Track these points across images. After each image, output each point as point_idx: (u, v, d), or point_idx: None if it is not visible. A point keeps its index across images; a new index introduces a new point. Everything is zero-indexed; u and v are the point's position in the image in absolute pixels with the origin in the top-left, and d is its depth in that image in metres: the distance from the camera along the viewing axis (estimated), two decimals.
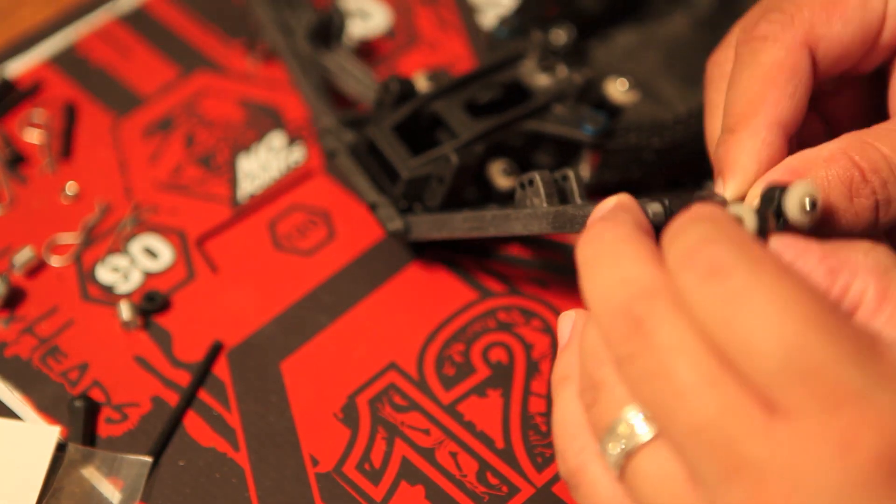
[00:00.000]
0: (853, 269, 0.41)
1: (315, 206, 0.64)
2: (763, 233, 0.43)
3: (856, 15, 0.49)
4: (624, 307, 0.40)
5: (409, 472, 0.55)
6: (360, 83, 0.66)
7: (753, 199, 0.47)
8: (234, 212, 0.64)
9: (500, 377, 0.58)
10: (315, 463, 0.55)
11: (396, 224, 0.59)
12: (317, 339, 0.59)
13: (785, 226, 0.44)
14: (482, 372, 0.58)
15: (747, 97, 0.48)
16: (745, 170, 0.48)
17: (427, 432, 0.56)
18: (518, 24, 0.65)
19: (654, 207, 0.45)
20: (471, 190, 0.61)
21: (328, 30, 0.68)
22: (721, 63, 0.53)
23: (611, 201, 0.45)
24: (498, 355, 0.59)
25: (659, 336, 0.39)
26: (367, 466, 0.55)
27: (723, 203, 0.47)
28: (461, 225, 0.56)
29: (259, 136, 0.67)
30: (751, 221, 0.43)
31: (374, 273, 0.62)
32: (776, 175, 0.47)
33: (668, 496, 0.40)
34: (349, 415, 0.57)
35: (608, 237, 0.42)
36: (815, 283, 0.41)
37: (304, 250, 0.63)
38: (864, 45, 0.50)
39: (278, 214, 0.64)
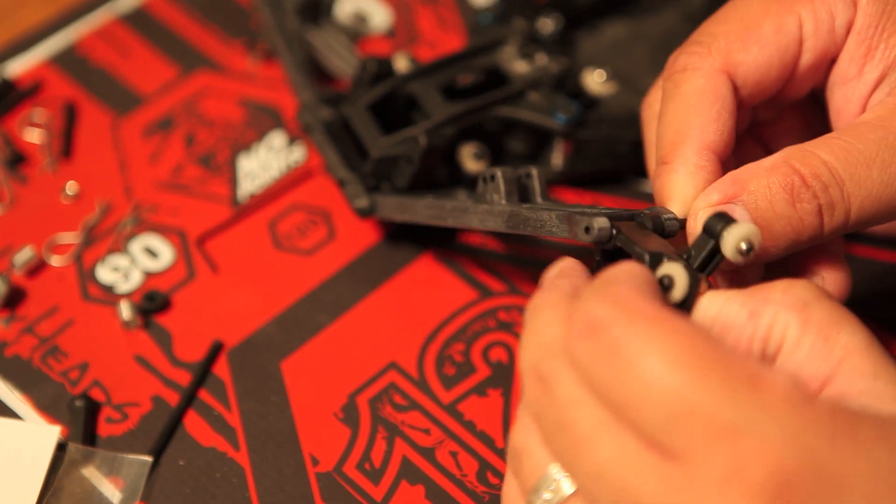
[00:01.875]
0: (774, 308, 0.43)
1: (315, 205, 0.64)
2: (694, 288, 0.44)
3: (772, 39, 0.50)
4: (535, 367, 0.42)
5: (409, 472, 0.55)
6: (345, 61, 0.67)
7: (695, 213, 0.48)
8: (234, 211, 0.64)
9: (501, 377, 0.58)
10: (315, 462, 0.55)
11: (362, 202, 0.59)
12: (317, 338, 0.59)
13: (721, 261, 0.46)
14: (482, 371, 0.58)
15: (674, 127, 0.50)
16: (683, 196, 0.49)
17: (427, 432, 0.56)
18: (503, 10, 0.66)
19: (601, 222, 0.46)
20: (442, 171, 0.61)
21: (317, 7, 0.69)
22: (652, 103, 0.55)
23: (556, 267, 0.46)
24: (498, 355, 0.59)
25: (559, 391, 0.41)
26: (367, 466, 0.55)
27: (673, 219, 0.48)
28: (423, 211, 0.57)
29: (259, 135, 0.67)
30: (682, 281, 0.44)
31: (374, 273, 0.62)
32: (721, 187, 0.48)
33: None
34: (349, 414, 0.57)
35: (539, 305, 0.44)
36: (737, 326, 0.43)
37: (304, 250, 0.63)
38: (783, 67, 0.51)
39: (278, 214, 0.64)
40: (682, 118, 0.50)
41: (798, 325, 0.42)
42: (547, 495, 0.42)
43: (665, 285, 0.44)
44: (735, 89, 0.51)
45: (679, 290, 0.43)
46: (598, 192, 0.64)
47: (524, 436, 0.43)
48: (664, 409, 0.38)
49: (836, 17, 0.50)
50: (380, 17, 0.72)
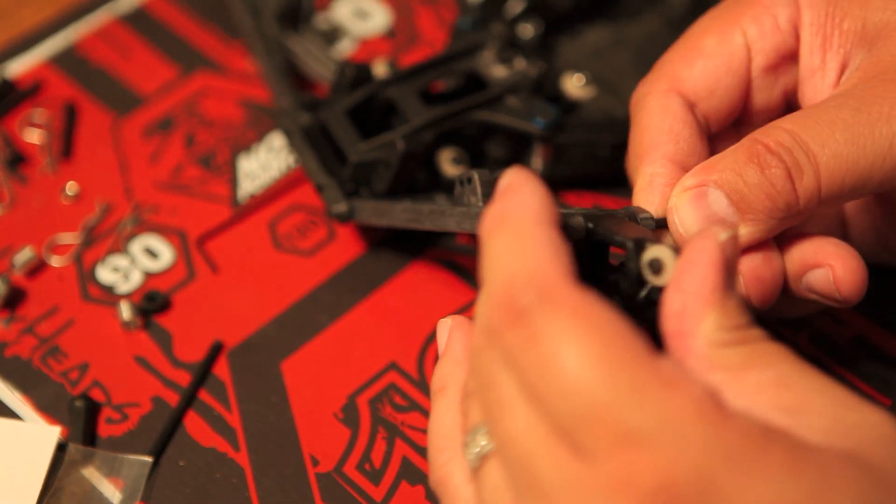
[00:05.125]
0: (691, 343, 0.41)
1: (315, 205, 0.64)
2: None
3: (715, 51, 0.52)
4: (485, 319, 0.42)
5: (409, 472, 0.55)
6: (325, 67, 0.67)
7: (673, 202, 0.49)
8: (234, 212, 0.64)
9: None
10: (315, 463, 0.55)
11: (341, 207, 0.59)
12: (317, 339, 0.59)
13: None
14: None
15: (634, 153, 0.52)
16: (646, 205, 0.50)
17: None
18: (482, 15, 0.66)
19: (577, 221, 0.46)
20: (421, 176, 0.61)
21: (296, 12, 0.69)
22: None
23: (503, 181, 0.44)
24: None
25: (486, 358, 0.41)
26: (367, 466, 0.55)
27: (649, 218, 0.49)
28: (400, 215, 0.57)
29: (259, 136, 0.67)
30: (671, 264, 0.43)
31: (375, 273, 0.62)
32: (694, 173, 0.48)
33: (497, 502, 0.41)
34: (349, 415, 0.57)
35: (498, 236, 0.43)
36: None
37: (304, 250, 0.63)
38: (734, 74, 0.52)
39: (278, 214, 0.64)
40: (640, 140, 0.52)
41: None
42: (483, 441, 0.42)
43: (655, 269, 0.44)
44: (691, 106, 0.52)
45: (669, 273, 0.43)
46: (603, 194, 0.64)
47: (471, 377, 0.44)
48: (574, 407, 0.38)
49: (778, 16, 0.52)
50: (380, 17, 0.72)
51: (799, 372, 0.41)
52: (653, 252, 0.44)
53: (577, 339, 0.39)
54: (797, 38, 0.52)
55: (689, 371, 0.40)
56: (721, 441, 0.37)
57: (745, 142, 0.48)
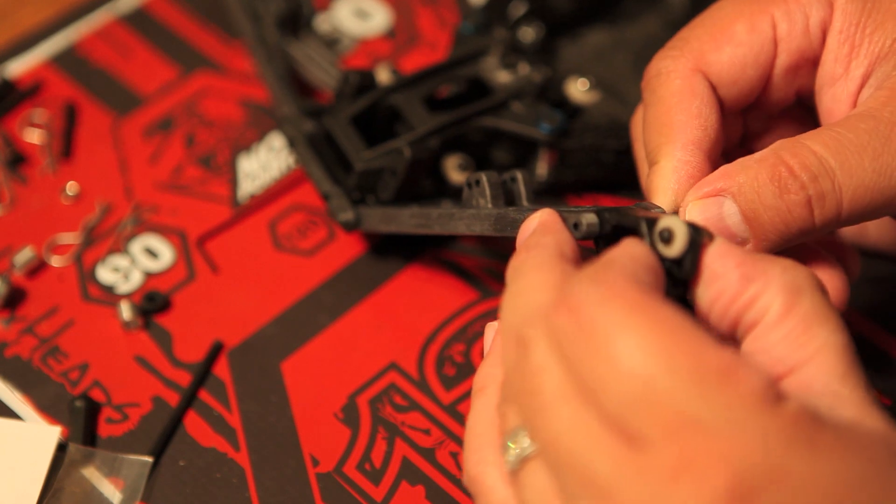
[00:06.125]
0: (767, 281, 0.42)
1: (315, 206, 0.64)
2: (695, 245, 0.43)
3: (744, 39, 0.51)
4: (515, 329, 0.42)
5: (409, 473, 0.55)
6: (326, 73, 0.66)
7: (685, 205, 0.48)
8: (234, 212, 0.64)
9: None
10: (315, 463, 0.55)
11: (347, 215, 0.59)
12: (317, 339, 0.59)
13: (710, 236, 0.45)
14: None
15: (657, 130, 0.51)
16: (666, 191, 0.49)
17: (427, 432, 0.56)
18: (484, 20, 0.65)
19: (589, 218, 0.46)
20: (427, 183, 0.61)
21: (297, 18, 0.69)
22: (638, 121, 0.55)
23: (534, 220, 0.47)
24: None
25: (533, 357, 0.41)
26: (367, 466, 0.55)
27: (660, 212, 0.48)
28: (408, 220, 0.56)
29: (259, 136, 0.67)
30: (681, 232, 0.43)
31: (375, 273, 0.62)
32: (711, 180, 0.48)
33: None
34: (349, 415, 0.57)
35: (526, 265, 0.44)
36: (724, 280, 0.43)
37: (304, 250, 0.63)
38: (759, 67, 0.51)
39: (279, 214, 0.64)
40: (664, 120, 0.50)
41: (781, 308, 0.42)
42: (525, 443, 0.42)
43: (665, 238, 0.44)
44: (713, 88, 0.51)
45: (679, 240, 0.43)
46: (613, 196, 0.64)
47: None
48: (629, 393, 0.39)
49: (810, 17, 0.51)
50: (380, 17, 0.72)
51: (851, 343, 0.42)
52: (664, 222, 0.44)
53: (634, 328, 0.39)
54: (823, 43, 0.51)
55: (748, 359, 0.41)
56: (782, 428, 0.38)
57: (770, 156, 0.47)
